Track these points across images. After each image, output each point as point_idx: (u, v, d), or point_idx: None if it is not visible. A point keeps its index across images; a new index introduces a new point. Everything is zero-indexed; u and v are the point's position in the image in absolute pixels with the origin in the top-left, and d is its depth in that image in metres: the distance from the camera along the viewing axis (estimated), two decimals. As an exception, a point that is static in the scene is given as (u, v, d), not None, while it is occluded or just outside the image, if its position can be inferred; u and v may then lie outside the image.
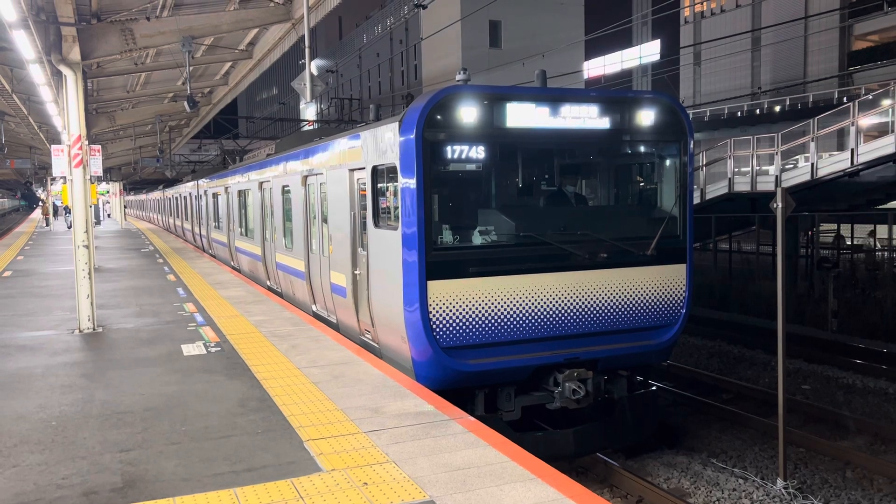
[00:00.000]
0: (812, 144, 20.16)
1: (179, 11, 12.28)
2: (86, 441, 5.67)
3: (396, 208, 7.81)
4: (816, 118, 20.73)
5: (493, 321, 7.74)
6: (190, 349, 8.86)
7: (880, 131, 19.40)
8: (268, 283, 14.89)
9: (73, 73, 10.19)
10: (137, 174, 50.31)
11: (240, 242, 17.67)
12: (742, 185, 21.94)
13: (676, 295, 8.69)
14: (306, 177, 11.44)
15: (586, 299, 8.16)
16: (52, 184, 43.69)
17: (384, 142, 8.06)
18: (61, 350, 9.00)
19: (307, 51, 11.24)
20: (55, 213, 45.32)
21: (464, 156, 7.74)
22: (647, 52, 64.38)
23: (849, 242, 22.28)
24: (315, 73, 11.06)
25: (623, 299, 8.35)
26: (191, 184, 27.98)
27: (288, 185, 12.60)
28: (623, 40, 71.78)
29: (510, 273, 7.77)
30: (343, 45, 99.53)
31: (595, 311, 8.22)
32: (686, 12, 63.97)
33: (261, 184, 14.91)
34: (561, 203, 8.70)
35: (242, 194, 17.18)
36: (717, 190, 22.76)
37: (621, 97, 8.62)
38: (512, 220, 7.98)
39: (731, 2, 59.75)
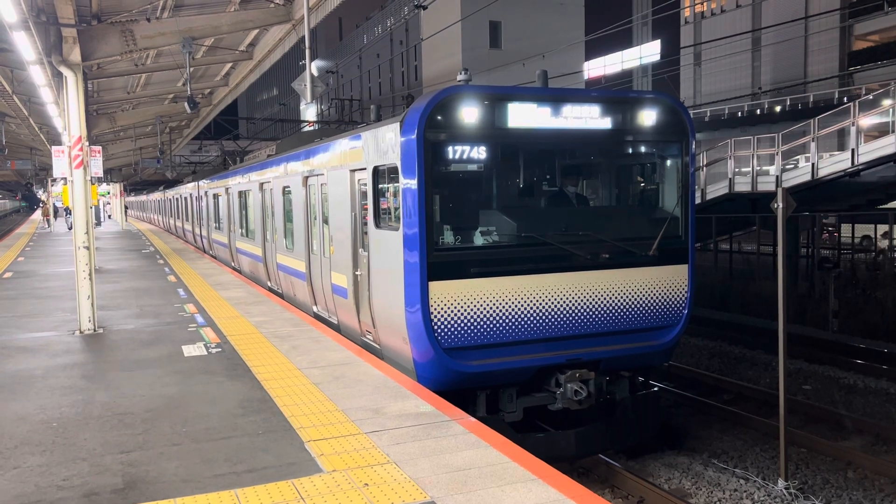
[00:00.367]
0: (812, 144, 20.15)
1: (180, 12, 12.29)
2: (86, 442, 5.67)
3: (398, 209, 7.79)
4: (817, 118, 20.72)
5: (494, 322, 7.72)
6: (190, 350, 8.86)
7: (881, 131, 19.39)
8: (268, 283, 14.88)
9: (73, 74, 10.19)
10: (138, 175, 50.28)
11: (240, 243, 17.67)
12: (742, 186, 21.93)
13: (678, 295, 8.67)
14: (307, 177, 11.43)
15: (588, 300, 8.13)
16: (52, 185, 43.70)
17: (385, 142, 8.03)
18: (62, 351, 8.99)
19: (307, 52, 11.25)
20: (55, 215, 45.32)
21: (465, 156, 7.72)
22: (648, 52, 64.35)
23: (848, 243, 22.26)
24: (315, 73, 11.07)
25: (625, 300, 8.33)
26: (191, 185, 27.98)
27: (289, 186, 12.59)
28: (623, 41, 71.83)
29: (512, 274, 7.75)
30: (343, 45, 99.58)
31: (597, 312, 8.20)
32: (686, 12, 63.97)
33: (261, 185, 14.91)
34: (563, 203, 8.68)
35: (243, 195, 17.19)
36: (717, 190, 22.75)
37: (623, 97, 8.61)
38: (513, 220, 7.96)
39: (732, 2, 59.75)
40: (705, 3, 62.28)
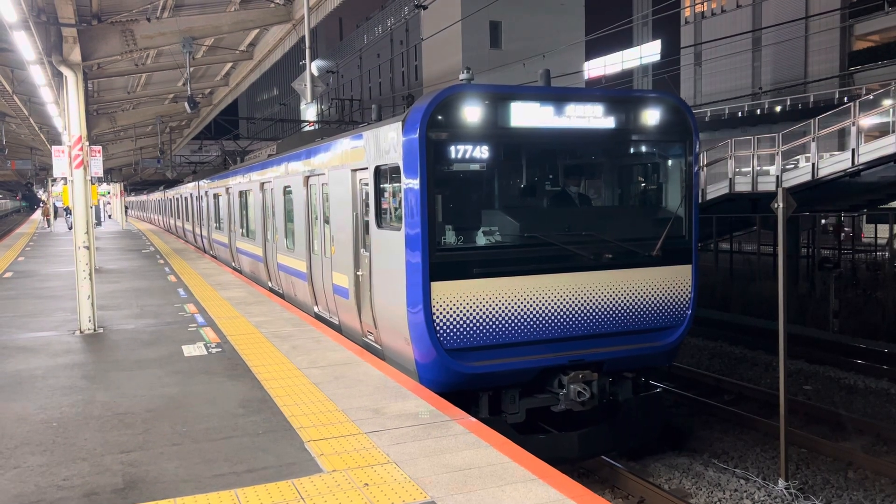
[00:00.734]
0: (813, 144, 20.14)
1: (180, 12, 12.29)
2: (87, 442, 5.67)
3: (400, 209, 7.75)
4: (817, 118, 20.71)
5: (497, 323, 7.67)
6: (191, 350, 8.85)
7: (881, 131, 19.40)
8: (269, 284, 14.86)
9: (73, 74, 10.19)
10: (138, 175, 50.29)
11: (241, 243, 17.66)
12: (743, 186, 21.92)
13: (682, 296, 8.62)
14: (308, 177, 11.40)
15: (591, 300, 8.09)
16: (52, 185, 43.69)
17: (387, 142, 7.99)
18: (62, 351, 8.99)
19: (307, 51, 11.25)
20: (56, 214, 45.33)
21: (468, 155, 7.66)
22: (648, 52, 64.38)
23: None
24: (315, 73, 11.07)
25: (628, 300, 8.28)
26: (192, 184, 27.98)
27: (289, 186, 12.57)
28: (624, 41, 71.88)
29: (515, 274, 7.70)
30: (343, 45, 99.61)
31: (600, 313, 8.15)
32: (686, 12, 63.98)
33: (262, 184, 14.89)
34: (565, 203, 8.61)
35: (244, 195, 17.18)
36: (717, 190, 22.75)
37: (626, 96, 8.59)
38: (516, 220, 7.92)
39: (732, 2, 59.76)
40: (705, 3, 62.29)
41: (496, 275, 7.63)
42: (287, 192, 12.80)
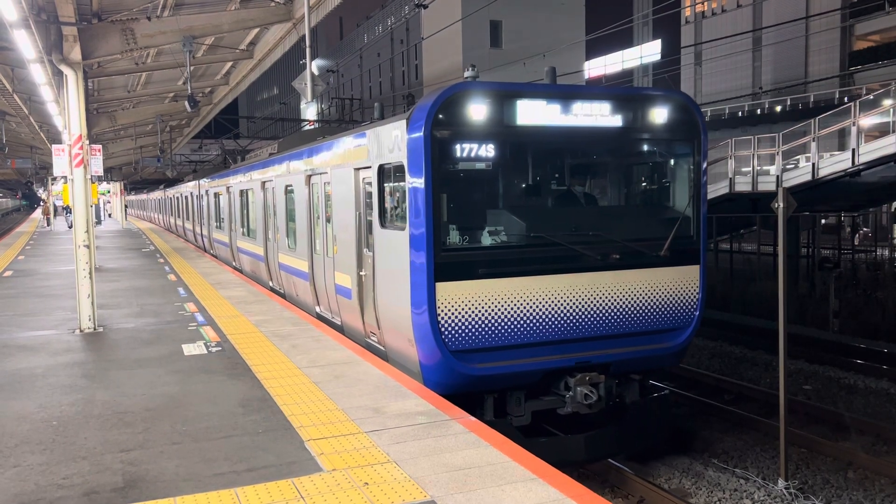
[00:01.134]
0: (813, 144, 20.14)
1: (180, 11, 12.28)
2: (87, 441, 5.67)
3: (404, 208, 7.65)
4: (817, 118, 20.71)
5: (503, 324, 7.56)
6: (191, 349, 8.85)
7: (881, 131, 19.39)
8: (270, 283, 14.81)
9: (73, 72, 10.19)
10: (138, 174, 50.30)
11: (242, 242, 17.64)
12: (743, 186, 21.92)
13: (690, 297, 8.52)
14: (310, 176, 11.33)
15: (598, 301, 7.99)
16: (52, 183, 43.71)
17: (391, 140, 7.89)
18: (62, 350, 8.99)
19: (308, 50, 11.22)
20: (55, 213, 45.33)
21: (473, 154, 7.54)
22: (648, 51, 64.32)
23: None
24: (316, 72, 11.04)
25: (636, 301, 8.18)
26: (192, 183, 27.97)
27: (291, 185, 12.50)
28: (624, 40, 71.86)
29: (521, 274, 7.59)
30: (344, 44, 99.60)
31: (607, 314, 8.05)
32: (687, 12, 63.96)
33: (263, 183, 14.86)
34: (572, 203, 8.52)
35: (244, 194, 17.16)
36: (717, 190, 22.74)
37: (634, 94, 8.41)
38: (522, 220, 7.82)
39: (732, 2, 59.74)
40: (706, 3, 62.27)
41: (502, 275, 7.53)
42: (289, 191, 12.75)
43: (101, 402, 6.69)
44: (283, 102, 69.07)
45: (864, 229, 25.97)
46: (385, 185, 8.25)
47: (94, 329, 10.17)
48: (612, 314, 8.08)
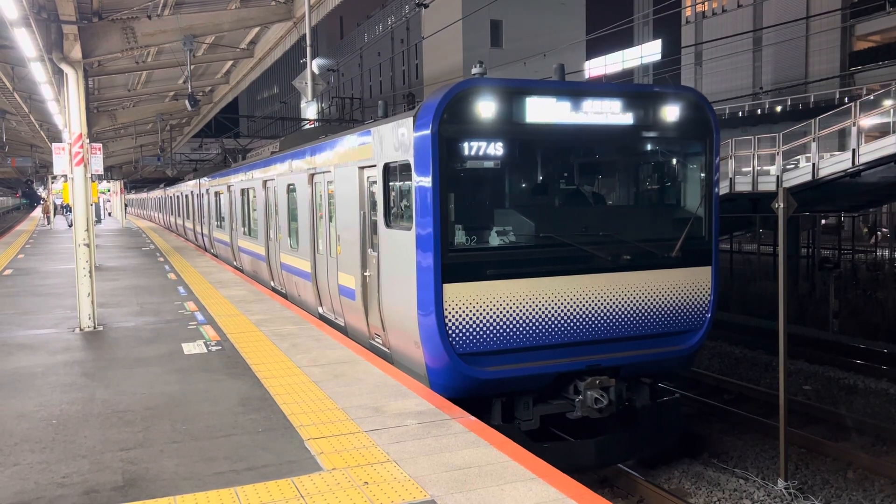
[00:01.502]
0: (813, 145, 20.14)
1: (181, 10, 12.28)
2: (86, 440, 5.67)
3: (410, 207, 7.50)
4: (818, 118, 20.70)
5: (512, 326, 7.42)
6: (191, 348, 8.85)
7: (882, 132, 19.38)
8: (272, 283, 14.70)
9: (74, 71, 10.19)
10: (138, 173, 50.35)
11: (243, 242, 17.59)
12: (743, 186, 21.92)
13: (702, 298, 8.38)
14: (313, 175, 11.19)
15: (609, 303, 7.83)
16: (53, 182, 43.72)
17: (397, 138, 7.76)
18: (62, 348, 8.99)
19: (308, 49, 11.22)
20: (55, 212, 45.34)
21: (482, 152, 7.38)
22: (649, 51, 64.39)
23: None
24: (316, 71, 11.03)
25: (647, 303, 8.03)
26: (192, 182, 27.96)
27: (293, 184, 12.37)
28: (624, 40, 71.83)
29: (530, 276, 7.44)
30: (344, 44, 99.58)
31: (618, 316, 7.89)
32: (687, 12, 63.96)
33: (265, 182, 14.77)
34: (582, 202, 8.37)
35: (246, 193, 17.11)
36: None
37: (645, 91, 8.28)
38: (531, 220, 7.69)
39: (733, 2, 59.74)
40: (706, 3, 62.26)
41: (511, 276, 7.38)
42: (291, 189, 12.63)
43: (101, 401, 6.69)
44: (283, 101, 69.13)
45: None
46: (391, 183, 8.11)
47: (94, 328, 10.17)
48: (623, 316, 7.94)
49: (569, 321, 7.68)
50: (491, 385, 7.43)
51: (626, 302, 7.94)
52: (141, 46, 11.83)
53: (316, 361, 8.02)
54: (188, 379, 7.43)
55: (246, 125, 53.99)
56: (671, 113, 8.10)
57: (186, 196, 30.02)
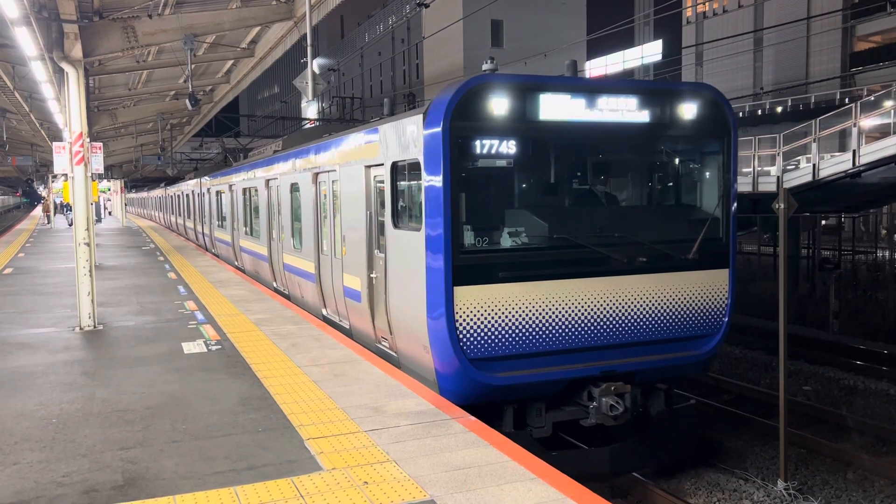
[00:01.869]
0: (814, 145, 20.13)
1: (181, 9, 12.28)
2: (86, 439, 5.67)
3: (419, 207, 7.29)
4: (818, 119, 20.69)
5: (524, 330, 7.20)
6: (191, 347, 8.85)
7: (882, 132, 19.38)
8: (274, 284, 14.56)
9: (74, 70, 10.19)
10: (138, 172, 50.34)
11: (245, 242, 17.52)
12: (743, 186, 21.89)
13: (718, 302, 8.18)
14: (317, 174, 11.03)
15: (624, 307, 7.62)
16: (53, 181, 43.74)
17: (406, 136, 7.53)
18: (62, 348, 8.99)
19: (309, 49, 11.21)
20: (56, 211, 45.34)
21: (494, 151, 7.14)
22: (650, 52, 64.44)
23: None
24: (317, 71, 11.03)
25: (663, 307, 7.82)
26: (193, 181, 27.95)
27: (297, 183, 12.20)
28: (625, 40, 71.89)
29: (543, 278, 7.22)
30: (345, 43, 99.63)
31: (633, 320, 7.67)
32: (688, 12, 63.94)
33: (267, 181, 14.62)
34: (597, 203, 8.13)
35: (248, 192, 17.03)
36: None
37: (662, 88, 8.09)
38: (545, 221, 7.46)
39: (734, 2, 59.72)
40: (707, 3, 62.24)
41: (524, 279, 7.16)
42: (294, 189, 12.46)
43: (101, 400, 6.69)
44: (283, 101, 69.17)
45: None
46: (399, 183, 7.91)
47: (94, 327, 10.17)
48: (639, 320, 7.72)
49: (583, 325, 7.46)
50: (503, 391, 7.21)
51: (641, 305, 7.73)
52: (141, 45, 11.83)
53: (316, 361, 8.02)
54: (188, 378, 7.43)
55: (246, 124, 54.05)
56: (688, 110, 7.90)
57: (187, 195, 30.01)
